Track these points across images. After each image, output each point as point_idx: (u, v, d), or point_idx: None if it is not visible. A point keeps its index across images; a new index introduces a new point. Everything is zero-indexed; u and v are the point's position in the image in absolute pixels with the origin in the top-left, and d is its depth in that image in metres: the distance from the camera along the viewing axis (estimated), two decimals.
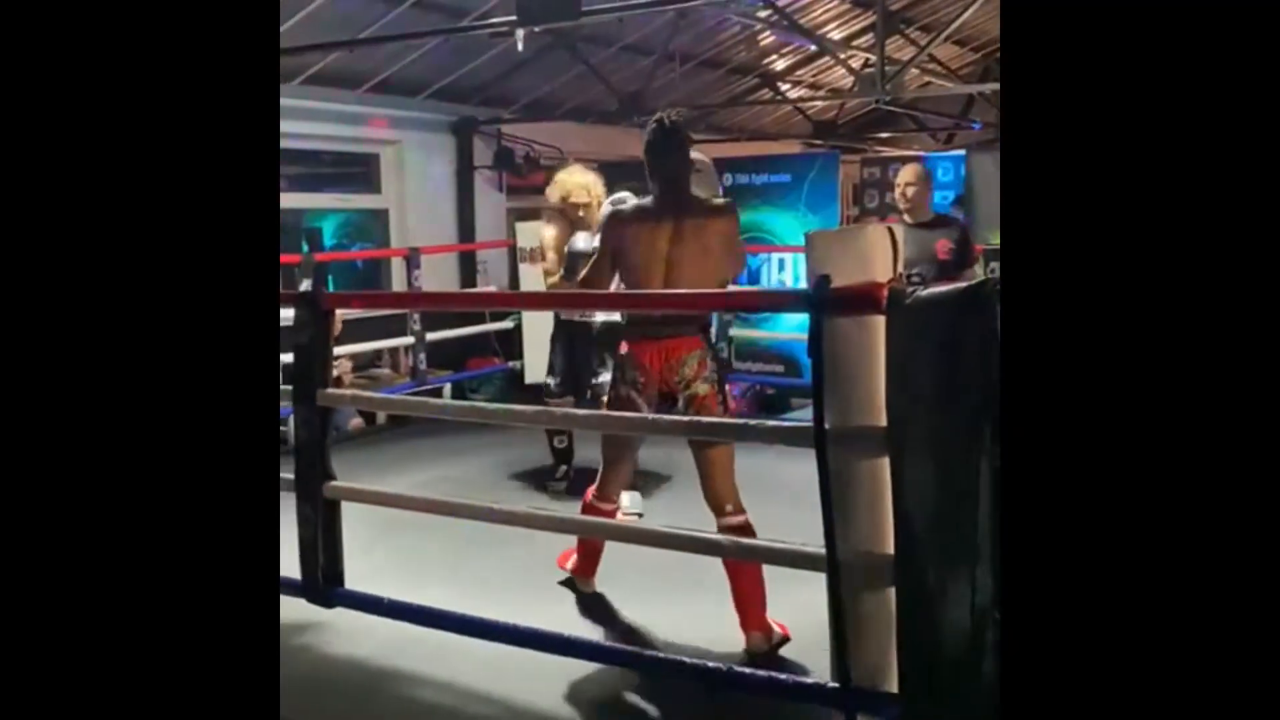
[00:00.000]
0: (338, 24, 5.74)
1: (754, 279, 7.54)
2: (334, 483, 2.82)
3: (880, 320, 2.07)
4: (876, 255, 2.18)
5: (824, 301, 2.13)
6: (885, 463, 2.05)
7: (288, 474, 2.85)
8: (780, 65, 9.26)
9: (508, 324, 7.05)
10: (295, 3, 5.47)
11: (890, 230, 2.22)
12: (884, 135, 10.48)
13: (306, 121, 6.59)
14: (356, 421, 6.45)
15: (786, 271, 7.58)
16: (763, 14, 6.70)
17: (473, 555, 3.92)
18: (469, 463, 5.50)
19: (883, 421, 2.06)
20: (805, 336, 2.15)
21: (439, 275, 7.20)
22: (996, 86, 10.23)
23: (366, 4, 5.81)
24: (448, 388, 6.84)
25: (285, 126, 6.13)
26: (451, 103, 7.47)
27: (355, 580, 2.84)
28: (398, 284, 7.04)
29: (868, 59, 7.93)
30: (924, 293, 1.99)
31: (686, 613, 3.33)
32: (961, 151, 8.75)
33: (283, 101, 6.69)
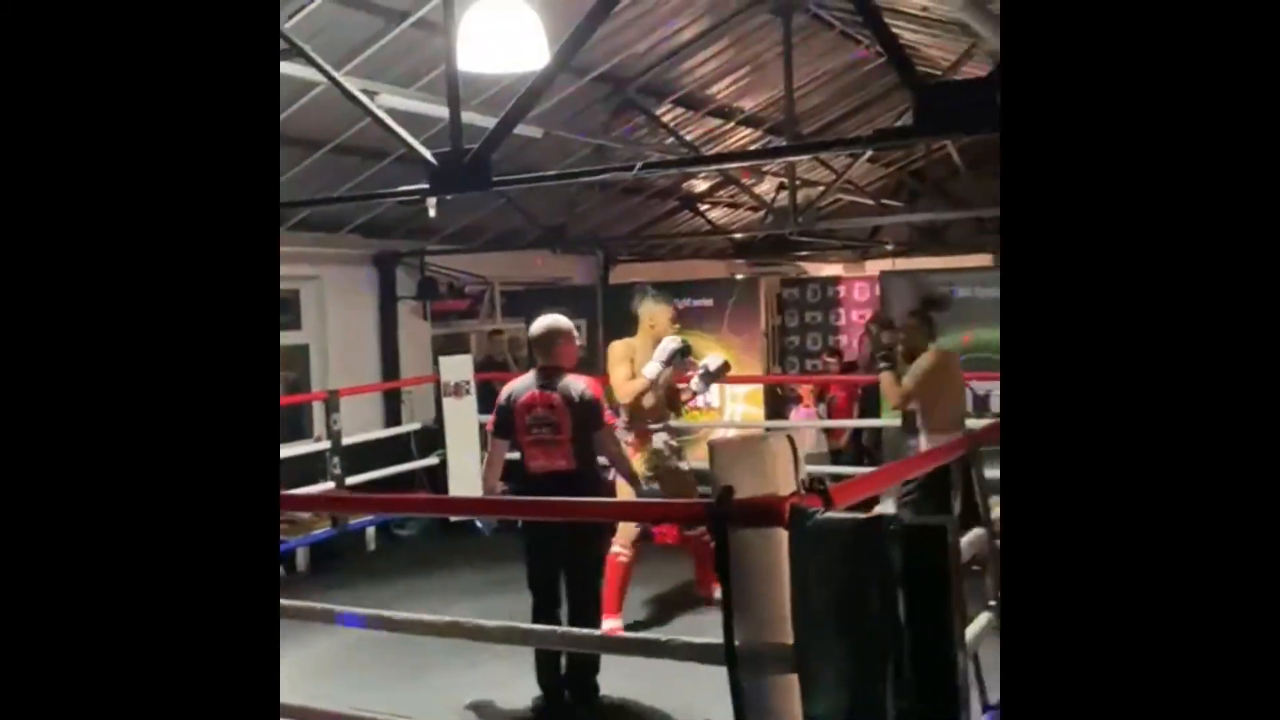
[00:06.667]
0: None
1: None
2: None
3: (784, 534, 2.07)
4: (779, 465, 2.19)
5: (728, 514, 2.13)
6: (795, 682, 2.04)
7: None
8: (701, 187, 9.49)
9: (433, 459, 6.95)
10: None
11: (790, 439, 2.24)
12: (803, 253, 10.78)
13: None
14: None
15: (711, 394, 7.63)
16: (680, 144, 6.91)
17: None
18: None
19: (790, 639, 2.05)
20: None
21: (362, 414, 7.09)
22: (905, 203, 10.67)
23: (285, 151, 5.82)
24: (370, 530, 6.69)
25: None
26: (373, 238, 7.48)
27: None
28: (318, 425, 6.90)
29: (782, 182, 8.17)
30: (822, 518, 2.00)
31: None
32: (876, 273, 9.03)
33: None
